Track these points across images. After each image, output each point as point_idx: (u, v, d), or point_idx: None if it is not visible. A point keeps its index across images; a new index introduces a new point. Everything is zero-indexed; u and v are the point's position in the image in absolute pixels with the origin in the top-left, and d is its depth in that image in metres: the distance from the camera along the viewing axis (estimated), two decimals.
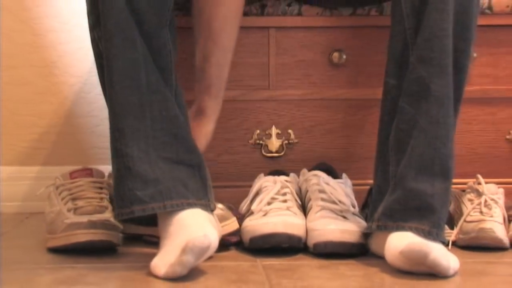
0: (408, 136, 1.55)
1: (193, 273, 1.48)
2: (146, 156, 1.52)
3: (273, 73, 1.98)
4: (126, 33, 1.51)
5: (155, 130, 1.54)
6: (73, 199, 1.74)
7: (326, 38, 1.99)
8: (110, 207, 1.73)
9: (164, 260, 1.44)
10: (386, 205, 1.56)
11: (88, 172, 1.80)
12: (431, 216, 1.52)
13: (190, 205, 1.51)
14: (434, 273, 1.44)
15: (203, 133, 1.82)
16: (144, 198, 1.50)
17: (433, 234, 1.50)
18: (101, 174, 1.82)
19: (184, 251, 1.40)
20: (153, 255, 1.49)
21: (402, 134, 1.57)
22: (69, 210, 1.71)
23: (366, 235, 1.64)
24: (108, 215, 1.70)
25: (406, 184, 1.54)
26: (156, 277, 1.45)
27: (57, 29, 2.39)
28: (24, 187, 2.34)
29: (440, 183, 1.54)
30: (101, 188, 1.77)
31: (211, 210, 1.57)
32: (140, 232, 1.79)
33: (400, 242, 1.46)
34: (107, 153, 2.35)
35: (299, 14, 1.97)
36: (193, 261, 1.41)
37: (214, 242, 1.43)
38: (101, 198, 1.75)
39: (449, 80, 1.54)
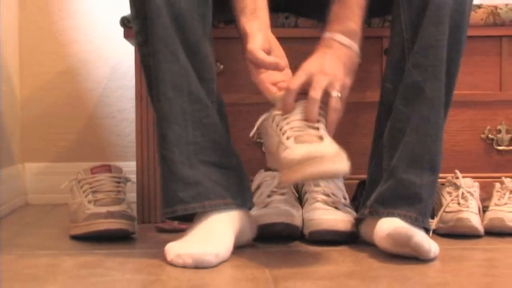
0: (402, 133, 1.56)
1: None
2: (187, 160, 1.53)
3: None
4: (170, 49, 1.51)
5: (195, 136, 1.54)
6: (93, 192, 1.74)
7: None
8: (126, 199, 1.74)
9: (176, 250, 1.44)
10: (379, 193, 1.57)
11: (107, 168, 1.80)
12: (419, 204, 1.53)
13: (227, 205, 1.53)
14: (417, 255, 1.45)
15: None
16: (185, 199, 1.52)
17: (419, 220, 1.51)
18: (118, 170, 1.82)
19: (193, 259, 1.41)
20: (165, 243, 1.48)
21: (396, 132, 1.58)
22: (89, 202, 1.71)
23: (357, 221, 1.64)
24: (124, 206, 1.70)
25: (398, 175, 1.54)
26: (168, 262, 1.45)
27: (79, 40, 2.39)
28: (49, 181, 2.34)
29: (428, 176, 1.55)
30: (118, 182, 1.77)
31: (248, 208, 1.60)
32: None
33: (388, 226, 1.47)
34: (125, 150, 2.37)
35: (296, 26, 1.97)
36: (193, 266, 1.42)
37: (222, 257, 1.45)
38: (119, 191, 1.75)
39: (441, 85, 1.55)
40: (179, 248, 1.45)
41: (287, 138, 1.44)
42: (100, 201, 1.71)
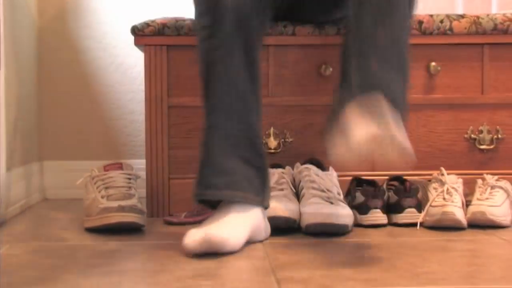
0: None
1: None
2: (224, 150, 1.54)
3: (271, 83, 1.97)
4: (231, 47, 1.53)
5: (237, 131, 1.55)
6: (106, 188, 1.74)
7: (316, 53, 1.98)
8: (137, 195, 1.73)
9: (194, 235, 1.43)
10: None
11: (119, 165, 1.80)
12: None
13: (250, 200, 1.53)
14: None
15: None
16: (218, 185, 1.53)
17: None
18: (129, 167, 1.81)
19: (204, 240, 1.41)
20: (173, 235, 1.48)
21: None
22: (102, 197, 1.71)
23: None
24: (134, 201, 1.70)
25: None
26: (177, 252, 1.45)
27: (94, 48, 2.39)
28: (65, 178, 2.34)
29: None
30: (129, 179, 1.77)
31: (265, 207, 1.59)
32: None
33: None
34: (135, 149, 2.37)
35: (293, 34, 1.97)
36: (207, 251, 1.41)
37: (232, 246, 1.44)
38: (129, 187, 1.75)
39: None
40: (196, 232, 1.43)
41: None
42: (112, 196, 1.71)
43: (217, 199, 1.54)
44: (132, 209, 1.67)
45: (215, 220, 1.48)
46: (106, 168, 1.79)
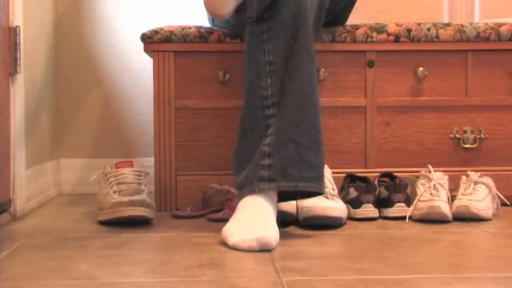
0: None
1: (211, 239, 1.48)
2: (313, 147, 1.53)
3: None
4: (309, 51, 1.55)
5: (320, 126, 1.56)
6: (118, 184, 1.73)
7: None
8: (146, 190, 1.73)
9: (241, 236, 1.42)
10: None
11: (130, 163, 1.79)
12: None
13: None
14: None
15: None
16: (307, 178, 1.52)
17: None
18: (139, 164, 1.81)
19: (258, 242, 1.39)
20: (179, 227, 1.47)
21: None
22: (114, 192, 1.71)
23: None
24: (144, 196, 1.70)
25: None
26: (183, 243, 1.45)
27: (106, 54, 2.39)
28: (80, 175, 2.34)
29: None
30: (139, 175, 1.77)
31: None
32: None
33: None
34: (145, 148, 2.36)
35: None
36: (257, 248, 1.40)
37: (276, 241, 1.43)
38: (139, 183, 1.75)
39: None
40: (244, 233, 1.42)
41: None
42: (123, 191, 1.71)
43: (310, 190, 1.54)
44: (141, 203, 1.66)
45: (256, 218, 1.46)
46: (118, 165, 1.78)
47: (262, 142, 1.53)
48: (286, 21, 1.54)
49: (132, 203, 1.66)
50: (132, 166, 1.78)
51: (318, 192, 1.55)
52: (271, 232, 1.42)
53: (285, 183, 1.50)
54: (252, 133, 1.57)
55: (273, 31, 1.54)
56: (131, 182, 1.74)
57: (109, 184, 1.74)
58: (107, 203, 1.70)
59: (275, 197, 1.53)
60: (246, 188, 1.51)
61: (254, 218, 1.46)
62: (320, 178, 1.55)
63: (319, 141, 1.56)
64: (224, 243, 1.44)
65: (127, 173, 1.76)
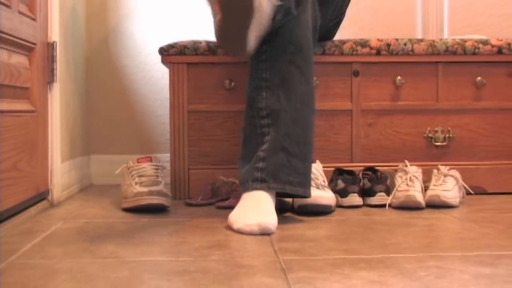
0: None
1: (219, 224, 1.47)
2: (301, 156, 1.52)
3: None
4: (305, 74, 1.55)
5: (310, 138, 1.55)
6: (139, 176, 1.72)
7: None
8: (163, 182, 1.72)
9: (245, 221, 1.41)
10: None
11: (149, 158, 1.78)
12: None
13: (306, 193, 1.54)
14: None
15: None
16: (294, 183, 1.51)
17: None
18: (157, 159, 1.80)
19: (259, 227, 1.39)
20: (192, 214, 1.46)
21: None
22: (136, 183, 1.70)
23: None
24: (161, 187, 1.69)
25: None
26: (194, 227, 1.44)
27: (130, 65, 2.38)
28: (107, 168, 2.33)
29: None
30: (157, 169, 1.76)
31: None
32: None
33: None
34: (162, 146, 2.36)
35: None
36: (258, 233, 1.39)
37: (275, 226, 1.42)
38: (157, 176, 1.74)
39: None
40: (247, 219, 1.41)
41: None
42: (143, 183, 1.70)
43: (295, 193, 1.53)
44: (159, 193, 1.66)
45: (257, 208, 1.45)
46: (139, 160, 1.77)
47: (259, 148, 1.53)
48: (284, 46, 1.53)
49: (151, 193, 1.65)
50: (151, 161, 1.77)
51: (304, 196, 1.55)
52: (270, 219, 1.41)
53: (274, 185, 1.50)
54: (251, 139, 1.57)
55: (271, 53, 1.53)
56: (150, 175, 1.73)
57: (131, 176, 1.73)
58: (129, 193, 1.69)
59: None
60: (243, 186, 1.52)
61: (256, 207, 1.45)
62: (305, 184, 1.54)
63: (308, 152, 1.55)
64: (229, 228, 1.44)
65: (147, 167, 1.75)
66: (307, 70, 1.56)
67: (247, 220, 1.41)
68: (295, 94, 1.54)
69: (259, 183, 1.50)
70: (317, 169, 1.73)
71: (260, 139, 1.54)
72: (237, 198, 1.55)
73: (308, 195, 1.55)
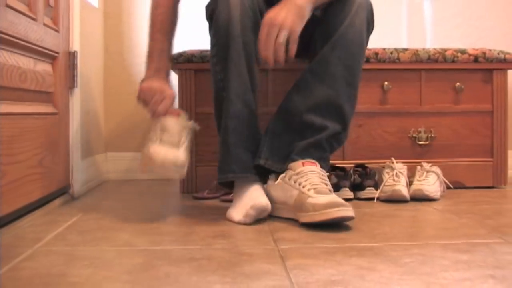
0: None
1: (223, 216, 1.46)
2: (239, 144, 1.46)
3: (270, 94, 1.96)
4: (238, 69, 1.44)
5: (245, 129, 1.47)
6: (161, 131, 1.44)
7: (288, 75, 1.96)
8: (186, 144, 1.45)
9: (238, 213, 1.40)
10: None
11: (177, 112, 1.49)
12: None
13: (256, 179, 1.47)
14: None
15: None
16: (236, 170, 1.46)
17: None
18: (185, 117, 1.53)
19: (255, 210, 1.38)
20: (198, 207, 1.45)
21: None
22: (156, 139, 1.46)
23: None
24: (180, 153, 1.41)
25: None
26: (201, 219, 1.43)
27: (142, 72, 2.36)
28: (122, 165, 2.34)
29: None
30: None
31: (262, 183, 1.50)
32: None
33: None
34: None
35: (286, 61, 1.94)
36: (255, 215, 1.38)
37: (269, 207, 1.40)
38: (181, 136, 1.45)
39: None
40: (241, 209, 1.39)
41: (308, 190, 1.36)
42: (164, 141, 1.44)
43: (235, 179, 1.47)
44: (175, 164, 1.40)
45: (249, 198, 1.41)
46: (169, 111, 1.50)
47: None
48: (221, 42, 1.46)
49: (163, 165, 1.38)
50: (178, 115, 1.49)
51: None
52: (262, 199, 1.39)
53: (221, 176, 1.48)
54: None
55: (215, 51, 1.49)
56: (175, 132, 1.46)
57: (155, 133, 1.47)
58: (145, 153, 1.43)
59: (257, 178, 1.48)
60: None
61: (246, 195, 1.42)
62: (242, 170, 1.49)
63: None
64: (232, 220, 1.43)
65: (173, 124, 1.47)
66: (240, 62, 1.48)
67: (241, 210, 1.39)
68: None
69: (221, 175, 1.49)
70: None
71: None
72: None
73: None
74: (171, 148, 1.38)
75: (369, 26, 1.54)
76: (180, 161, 1.38)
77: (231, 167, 1.47)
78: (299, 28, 1.39)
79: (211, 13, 1.51)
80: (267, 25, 1.37)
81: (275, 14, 1.37)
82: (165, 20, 1.55)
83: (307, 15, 1.41)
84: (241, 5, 1.43)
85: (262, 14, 1.44)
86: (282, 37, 1.36)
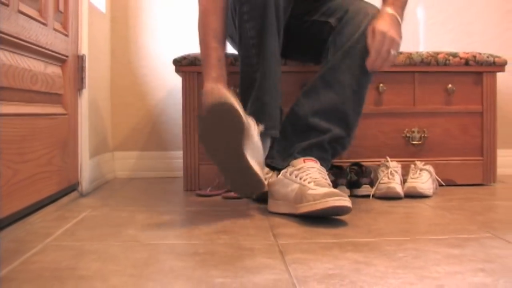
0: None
1: (225, 212, 1.47)
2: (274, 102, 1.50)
3: None
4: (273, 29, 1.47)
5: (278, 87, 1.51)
6: None
7: (299, 77, 1.96)
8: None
9: None
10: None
11: None
12: None
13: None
14: None
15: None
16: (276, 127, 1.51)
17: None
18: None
19: None
20: (202, 204, 1.44)
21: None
22: None
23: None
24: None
25: None
26: (204, 215, 1.43)
27: (147, 74, 2.38)
28: (129, 163, 2.34)
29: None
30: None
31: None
32: None
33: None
34: (176, 144, 2.35)
35: (285, 64, 1.95)
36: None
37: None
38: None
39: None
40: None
41: (309, 182, 1.37)
42: None
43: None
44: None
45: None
46: None
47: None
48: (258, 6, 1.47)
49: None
50: None
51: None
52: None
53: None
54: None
55: (250, 13, 1.48)
56: None
57: None
58: None
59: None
60: None
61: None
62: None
63: (270, 102, 1.51)
64: (233, 216, 1.43)
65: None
66: (278, 25, 1.52)
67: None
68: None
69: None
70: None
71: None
72: None
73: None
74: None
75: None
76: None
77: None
78: (400, 44, 1.50)
79: None
80: (381, 37, 1.46)
81: (387, 30, 1.47)
82: (218, 28, 1.51)
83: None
84: None
85: None
86: (394, 52, 1.48)
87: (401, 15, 1.53)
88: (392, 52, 1.47)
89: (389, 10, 1.50)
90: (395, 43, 1.47)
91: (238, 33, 1.52)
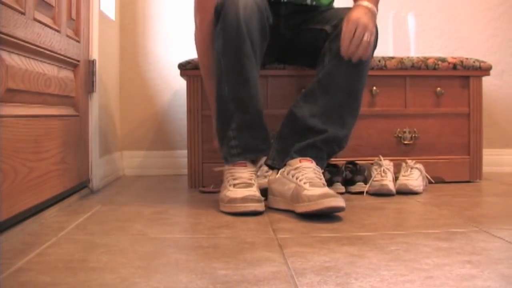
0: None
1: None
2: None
3: (269, 97, 1.96)
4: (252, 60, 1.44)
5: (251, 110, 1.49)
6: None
7: (297, 80, 1.96)
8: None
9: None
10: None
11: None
12: None
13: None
14: None
15: None
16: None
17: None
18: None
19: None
20: (205, 200, 1.44)
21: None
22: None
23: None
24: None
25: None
26: (207, 210, 1.43)
27: (155, 78, 2.38)
28: (137, 162, 2.34)
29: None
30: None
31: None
32: None
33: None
34: (181, 143, 2.35)
35: (284, 68, 1.95)
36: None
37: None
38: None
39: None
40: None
41: (304, 183, 1.37)
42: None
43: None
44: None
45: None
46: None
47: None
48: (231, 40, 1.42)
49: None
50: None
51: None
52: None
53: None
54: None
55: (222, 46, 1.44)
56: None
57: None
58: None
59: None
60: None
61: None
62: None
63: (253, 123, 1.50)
64: (234, 213, 1.43)
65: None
66: (254, 57, 1.47)
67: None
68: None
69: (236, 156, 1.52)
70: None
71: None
72: None
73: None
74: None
75: (374, 45, 1.55)
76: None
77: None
78: (374, 32, 1.46)
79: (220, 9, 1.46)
80: (353, 25, 1.42)
81: (360, 17, 1.43)
82: (212, 66, 1.51)
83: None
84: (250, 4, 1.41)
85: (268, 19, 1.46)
86: (367, 37, 1.42)
87: (376, 7, 1.50)
88: (365, 37, 1.42)
89: (364, 2, 1.47)
90: (368, 29, 1.42)
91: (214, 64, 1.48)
